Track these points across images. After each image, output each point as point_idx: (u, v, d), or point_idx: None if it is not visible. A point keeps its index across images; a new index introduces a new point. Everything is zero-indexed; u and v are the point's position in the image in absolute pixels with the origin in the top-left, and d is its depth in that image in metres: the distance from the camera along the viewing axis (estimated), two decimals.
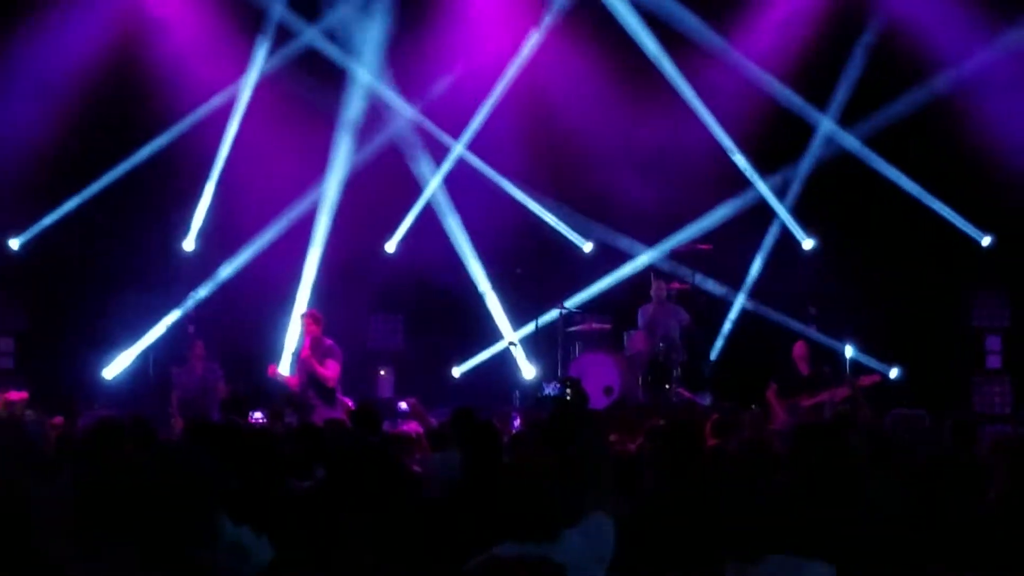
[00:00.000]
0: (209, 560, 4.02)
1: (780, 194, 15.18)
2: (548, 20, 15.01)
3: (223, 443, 5.21)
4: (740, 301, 15.23)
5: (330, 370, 12.15)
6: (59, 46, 14.28)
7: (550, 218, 15.47)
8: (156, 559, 4.03)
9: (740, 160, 14.89)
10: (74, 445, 6.80)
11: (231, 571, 4.10)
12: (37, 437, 6.69)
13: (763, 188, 15.08)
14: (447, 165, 15.32)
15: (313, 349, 12.22)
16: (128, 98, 14.63)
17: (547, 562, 2.86)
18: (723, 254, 14.67)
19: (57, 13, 14.32)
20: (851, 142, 14.86)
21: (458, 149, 15.27)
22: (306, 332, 12.45)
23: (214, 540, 4.13)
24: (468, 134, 15.28)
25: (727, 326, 15.23)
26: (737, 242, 15.02)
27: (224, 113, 14.87)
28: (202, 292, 14.43)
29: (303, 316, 12.78)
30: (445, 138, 15.28)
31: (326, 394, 12.16)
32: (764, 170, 15.09)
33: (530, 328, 14.50)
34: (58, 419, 9.75)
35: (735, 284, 15.25)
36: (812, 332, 14.05)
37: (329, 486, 4.90)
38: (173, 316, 14.60)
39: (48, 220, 14.80)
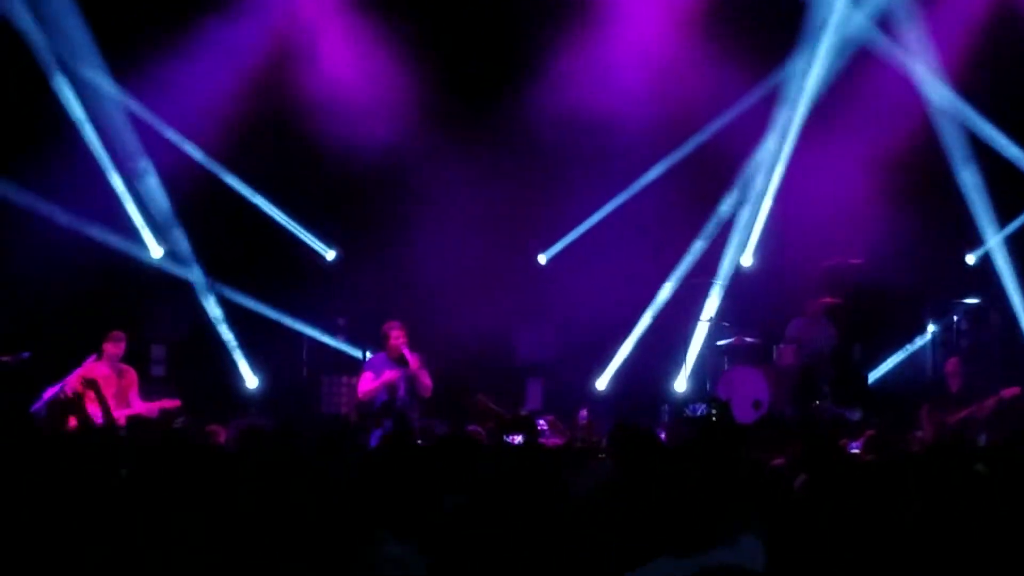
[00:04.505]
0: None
1: None
2: None
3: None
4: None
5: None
6: None
7: None
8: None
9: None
10: (229, 453, 6.96)
11: None
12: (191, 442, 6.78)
13: None
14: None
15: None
16: None
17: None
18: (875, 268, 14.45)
19: None
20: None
21: None
22: (403, 343, 11.95)
23: (374, 552, 4.28)
24: None
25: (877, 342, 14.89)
26: (891, 256, 14.71)
27: None
28: None
29: (395, 328, 11.98)
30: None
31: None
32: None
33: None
34: (214, 427, 10.01)
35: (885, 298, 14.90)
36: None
37: (482, 500, 5.02)
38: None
39: None
